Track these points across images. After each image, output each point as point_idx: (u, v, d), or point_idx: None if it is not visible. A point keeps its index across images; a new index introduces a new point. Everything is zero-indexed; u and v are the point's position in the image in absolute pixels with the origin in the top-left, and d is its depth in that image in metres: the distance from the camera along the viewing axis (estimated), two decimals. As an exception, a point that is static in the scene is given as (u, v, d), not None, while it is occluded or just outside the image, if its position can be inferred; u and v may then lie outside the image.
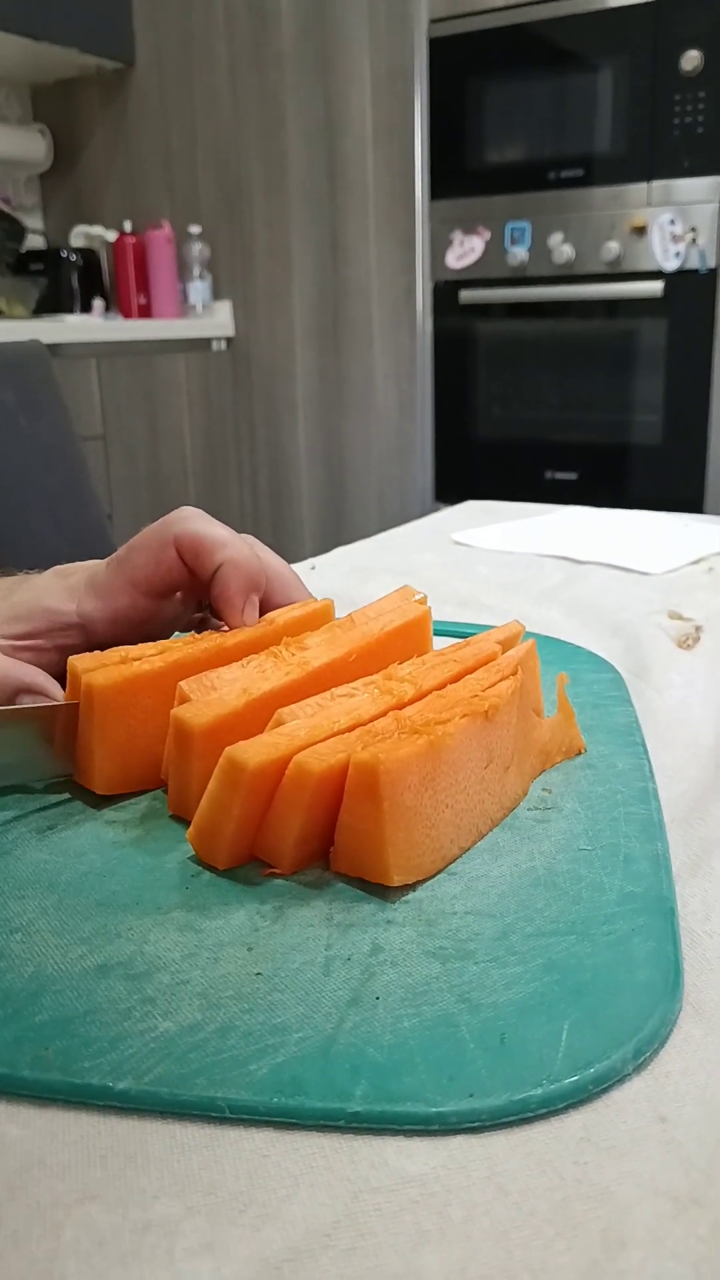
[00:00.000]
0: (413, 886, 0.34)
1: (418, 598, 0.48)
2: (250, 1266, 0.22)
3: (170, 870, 0.35)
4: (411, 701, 0.38)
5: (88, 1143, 0.25)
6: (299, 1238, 0.22)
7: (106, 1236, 0.22)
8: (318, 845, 0.36)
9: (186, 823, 0.38)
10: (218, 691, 0.39)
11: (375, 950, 0.31)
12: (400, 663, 0.42)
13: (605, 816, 0.38)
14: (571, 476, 2.45)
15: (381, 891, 0.34)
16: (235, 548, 0.45)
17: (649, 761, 0.43)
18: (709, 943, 0.32)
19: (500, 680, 0.40)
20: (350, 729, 0.36)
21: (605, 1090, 0.26)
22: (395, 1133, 0.25)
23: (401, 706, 0.38)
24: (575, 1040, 0.27)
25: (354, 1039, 0.27)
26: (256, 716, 0.38)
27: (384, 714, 0.37)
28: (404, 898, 0.33)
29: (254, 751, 0.34)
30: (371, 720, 0.37)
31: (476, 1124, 0.25)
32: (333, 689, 0.40)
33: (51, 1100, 0.26)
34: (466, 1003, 0.28)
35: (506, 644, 0.44)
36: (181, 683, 0.39)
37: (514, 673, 0.40)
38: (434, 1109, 0.25)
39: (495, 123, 2.37)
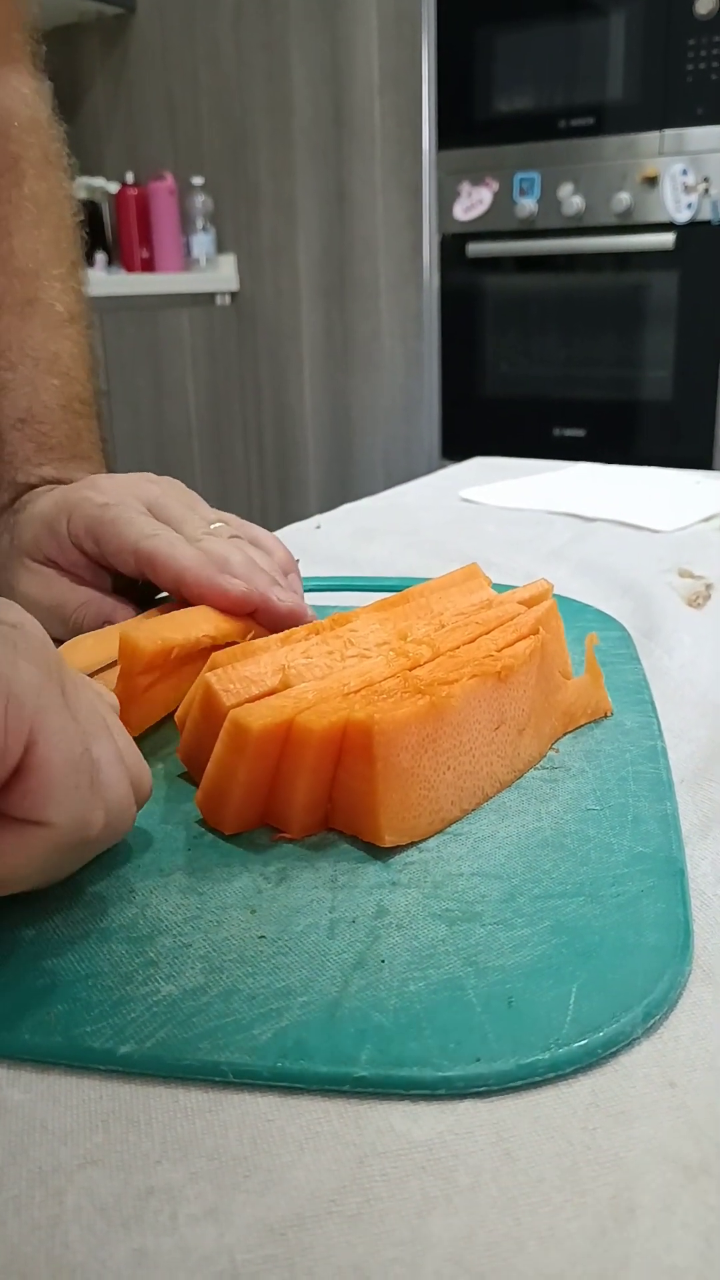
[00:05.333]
0: (418, 847, 0.34)
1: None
2: (254, 1232, 0.21)
3: (173, 832, 0.35)
4: (427, 663, 0.38)
5: (89, 1107, 0.25)
6: (304, 1203, 0.22)
7: (109, 1202, 0.22)
8: (327, 809, 0.35)
9: (190, 783, 0.38)
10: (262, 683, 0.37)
11: (380, 913, 0.30)
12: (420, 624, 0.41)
13: (614, 776, 0.37)
14: (580, 433, 2.43)
15: (386, 853, 0.33)
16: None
17: (658, 720, 0.42)
18: (719, 905, 0.31)
19: (518, 640, 0.39)
20: (359, 691, 0.35)
21: (614, 1055, 0.26)
22: (401, 1097, 0.24)
23: (415, 669, 0.37)
24: (584, 1004, 0.26)
25: (359, 1003, 0.26)
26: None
27: (396, 676, 0.37)
28: (409, 859, 0.33)
29: (259, 714, 0.33)
30: (383, 682, 0.36)
31: (483, 1089, 0.24)
32: (344, 651, 0.39)
33: (53, 1064, 0.25)
34: (473, 966, 0.28)
35: (532, 603, 0.43)
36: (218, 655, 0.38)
37: (533, 632, 0.39)
38: (440, 1074, 0.24)
39: (504, 70, 2.31)
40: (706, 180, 2.14)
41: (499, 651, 0.37)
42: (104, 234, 2.85)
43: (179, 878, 0.32)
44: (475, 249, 2.42)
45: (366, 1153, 0.23)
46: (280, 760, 0.34)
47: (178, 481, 0.53)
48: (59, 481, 0.56)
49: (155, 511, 0.48)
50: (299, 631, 0.40)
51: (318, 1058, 0.25)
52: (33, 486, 0.55)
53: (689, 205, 2.17)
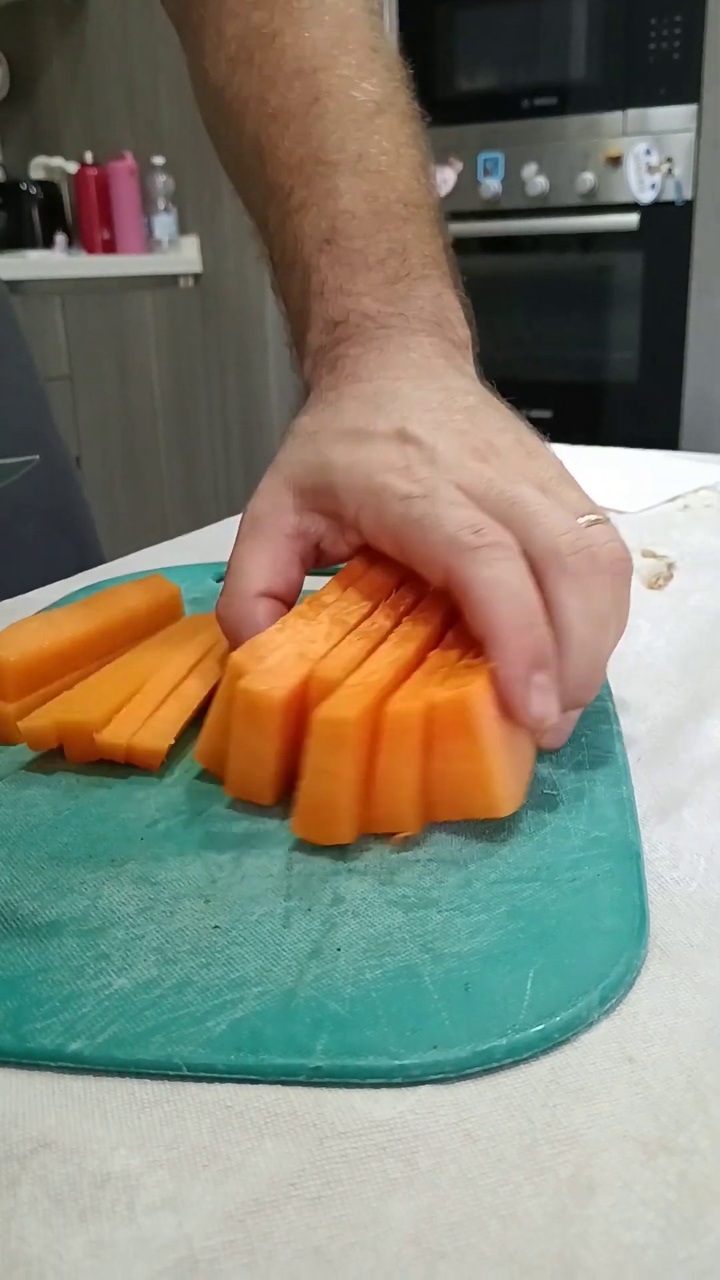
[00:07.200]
0: (373, 834, 0.33)
1: None
2: (213, 1221, 0.21)
3: (125, 821, 0.35)
4: (439, 636, 0.37)
5: (41, 1101, 0.24)
6: (263, 1189, 0.22)
7: (64, 1192, 0.22)
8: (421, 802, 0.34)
9: (138, 771, 0.37)
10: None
11: (336, 900, 0.30)
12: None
13: (569, 760, 0.37)
14: (546, 415, 2.43)
15: (342, 841, 0.33)
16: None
17: (613, 704, 0.42)
18: (676, 889, 0.31)
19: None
20: (407, 674, 0.34)
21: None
22: (359, 1085, 0.24)
23: (432, 644, 0.37)
24: (540, 988, 0.26)
25: (315, 992, 0.26)
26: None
27: (423, 656, 0.36)
28: (364, 846, 0.33)
29: (347, 705, 0.31)
30: (418, 663, 0.35)
31: (440, 1076, 0.24)
32: (348, 639, 0.37)
33: (2, 1064, 0.25)
34: (430, 952, 0.28)
35: None
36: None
37: None
38: (397, 1061, 0.24)
39: (467, 49, 2.30)
40: (670, 161, 2.14)
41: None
42: (64, 215, 2.81)
43: (131, 867, 0.32)
44: (439, 230, 2.41)
45: (326, 1134, 0.23)
46: (373, 754, 0.32)
47: (528, 440, 0.42)
48: (386, 317, 0.45)
49: (487, 506, 0.36)
50: (290, 618, 0.38)
51: (273, 1049, 0.25)
52: (351, 326, 0.45)
53: (653, 186, 2.17)
